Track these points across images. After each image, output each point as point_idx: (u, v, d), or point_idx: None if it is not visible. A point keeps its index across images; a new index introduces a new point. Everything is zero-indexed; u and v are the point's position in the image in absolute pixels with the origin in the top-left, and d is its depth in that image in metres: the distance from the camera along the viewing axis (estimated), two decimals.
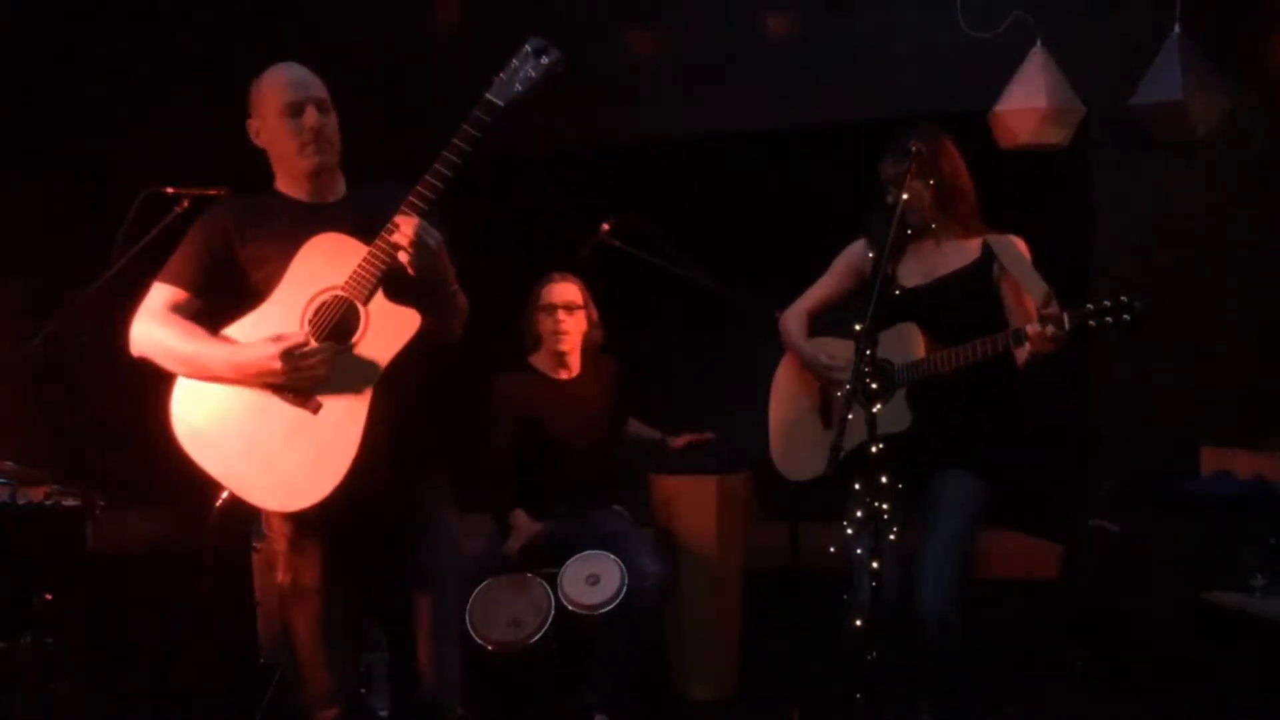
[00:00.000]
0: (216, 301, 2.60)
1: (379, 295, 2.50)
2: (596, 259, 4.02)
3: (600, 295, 4.17)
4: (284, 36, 5.04)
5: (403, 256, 2.46)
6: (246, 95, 2.67)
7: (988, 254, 3.11)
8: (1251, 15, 4.09)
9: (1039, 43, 4.14)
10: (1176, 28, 3.92)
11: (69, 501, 3.60)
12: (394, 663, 2.76)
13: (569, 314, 4.04)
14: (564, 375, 4.13)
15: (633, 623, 3.80)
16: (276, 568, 2.63)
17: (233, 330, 2.56)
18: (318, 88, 2.64)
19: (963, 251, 3.15)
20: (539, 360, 4.14)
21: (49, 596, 3.49)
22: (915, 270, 3.18)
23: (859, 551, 3.01)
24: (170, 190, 3.62)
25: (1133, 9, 4.20)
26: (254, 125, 2.66)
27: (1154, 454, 4.15)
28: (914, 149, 2.95)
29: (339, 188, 2.70)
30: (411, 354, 2.51)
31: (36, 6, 4.93)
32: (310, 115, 2.59)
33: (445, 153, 2.53)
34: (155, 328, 2.55)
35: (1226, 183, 4.19)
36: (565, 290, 4.06)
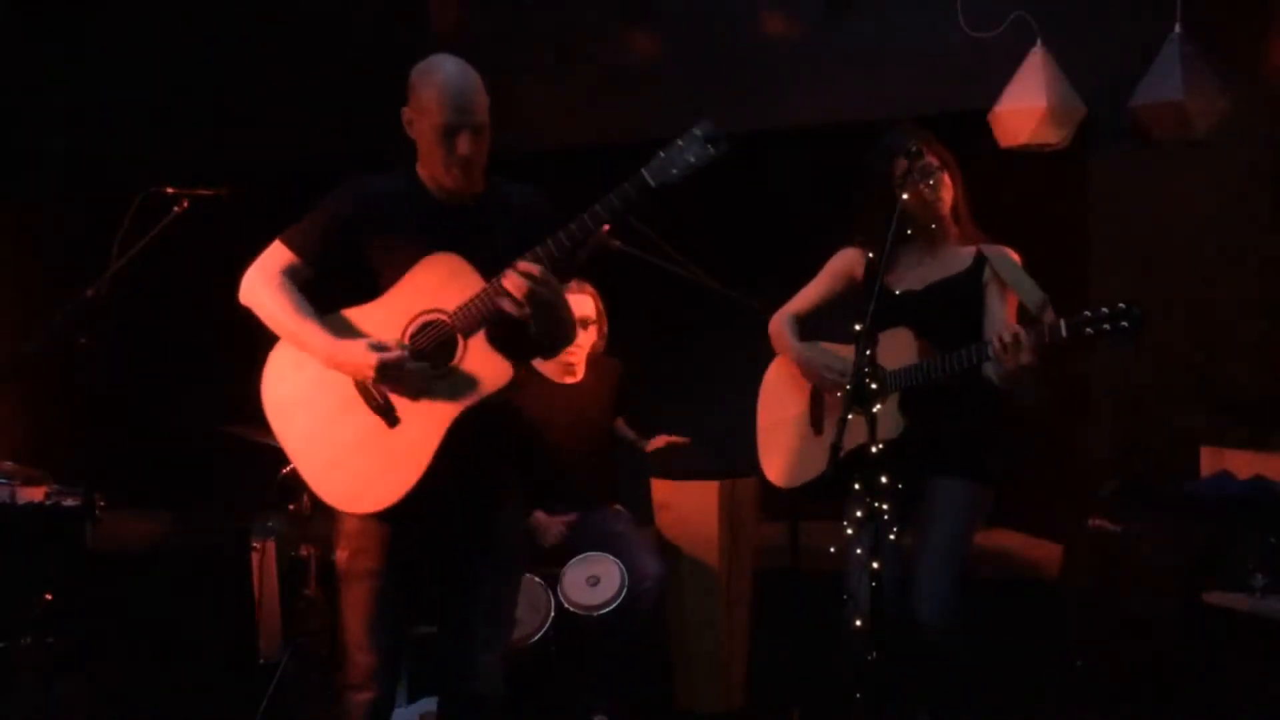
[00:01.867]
0: (329, 274, 2.64)
1: (481, 334, 2.53)
2: (596, 259, 4.02)
3: (599, 295, 4.18)
4: (284, 36, 5.04)
5: (507, 305, 2.47)
6: (406, 80, 2.59)
7: (980, 262, 3.10)
8: (1251, 15, 4.08)
9: (1039, 43, 4.14)
10: (1176, 28, 3.92)
11: (69, 501, 3.61)
12: (441, 658, 2.77)
13: (582, 329, 4.03)
14: (568, 380, 4.13)
15: (632, 624, 3.80)
16: (337, 544, 2.66)
17: (339, 316, 2.60)
18: (478, 108, 2.55)
19: (958, 258, 3.14)
20: (544, 364, 4.14)
21: (49, 596, 3.49)
22: (909, 275, 3.17)
23: (859, 551, 3.01)
24: (170, 190, 3.62)
25: (1133, 9, 4.19)
26: (407, 115, 2.60)
27: (1154, 454, 4.15)
28: (914, 149, 2.95)
29: (478, 185, 2.65)
30: (495, 398, 2.54)
31: (36, 6, 4.93)
32: (464, 143, 2.53)
33: (582, 216, 2.49)
34: (269, 290, 2.59)
35: (1226, 183, 4.19)
36: (580, 303, 4.05)
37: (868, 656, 2.79)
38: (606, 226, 3.93)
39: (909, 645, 2.97)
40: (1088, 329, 2.72)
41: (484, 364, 2.53)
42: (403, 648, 2.83)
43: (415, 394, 2.53)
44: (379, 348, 2.50)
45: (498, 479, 2.72)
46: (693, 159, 2.47)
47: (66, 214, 4.80)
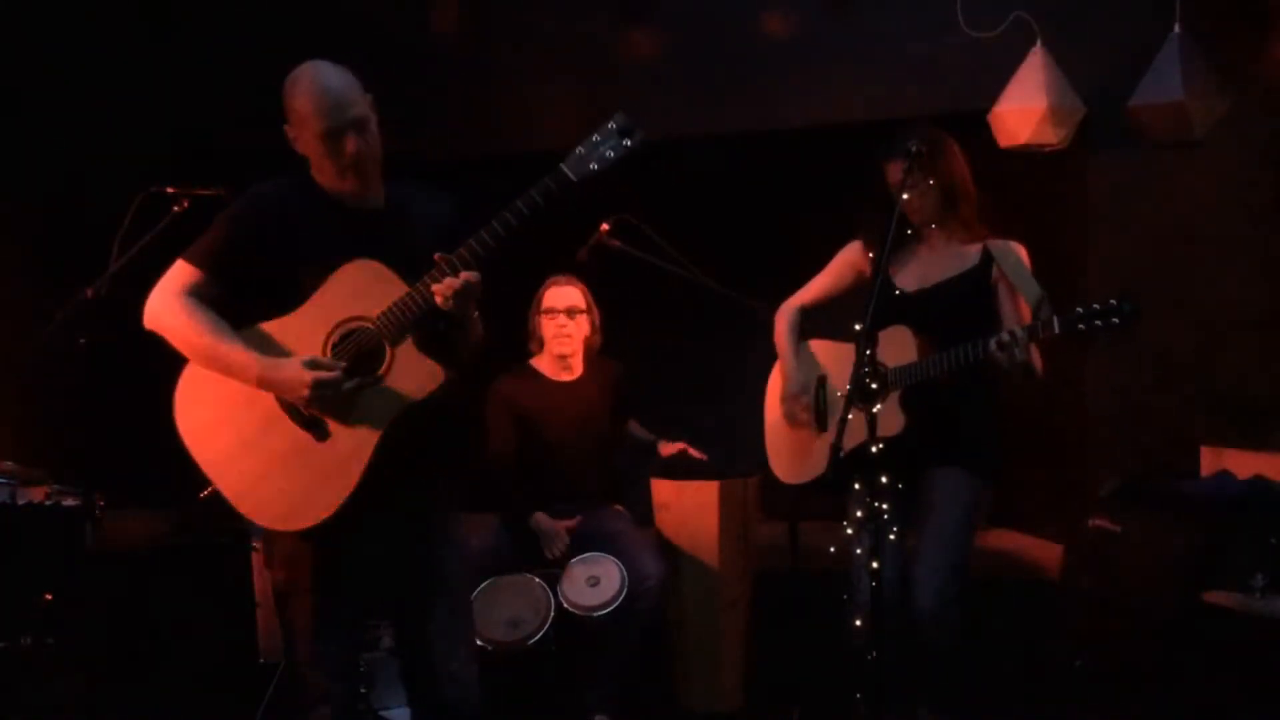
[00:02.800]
0: (235, 288, 2.55)
1: (408, 340, 2.47)
2: (596, 259, 4.02)
3: (599, 295, 4.17)
4: (283, 36, 5.04)
5: (437, 298, 2.42)
6: (281, 96, 2.54)
7: (987, 259, 3.11)
8: (1251, 15, 4.08)
9: (1039, 43, 4.14)
10: (1176, 28, 3.92)
11: (69, 501, 3.60)
12: (405, 665, 2.73)
13: (570, 318, 4.05)
14: (566, 377, 4.14)
15: (632, 624, 3.80)
16: (272, 564, 2.61)
17: (257, 330, 2.51)
18: (355, 104, 2.49)
19: (963, 256, 3.15)
20: (541, 362, 4.15)
21: (49, 596, 3.49)
22: (913, 273, 3.18)
23: (859, 551, 3.01)
24: (170, 190, 3.62)
25: (1133, 9, 4.20)
26: (290, 132, 2.55)
27: (1154, 454, 4.15)
28: (914, 149, 2.95)
29: (379, 188, 2.60)
30: (425, 403, 2.48)
31: (35, 4, 4.93)
32: (350, 143, 2.48)
33: (504, 213, 2.46)
34: (178, 311, 2.49)
35: (1226, 183, 4.19)
36: (568, 294, 4.07)
37: (868, 656, 2.80)
38: (606, 226, 3.98)
39: (909, 645, 2.97)
40: (1080, 325, 2.75)
41: (414, 369, 2.47)
42: (358, 654, 2.75)
43: (344, 405, 2.46)
44: (314, 365, 2.42)
45: (434, 485, 2.65)
46: (610, 153, 2.47)
47: (66, 214, 4.80)
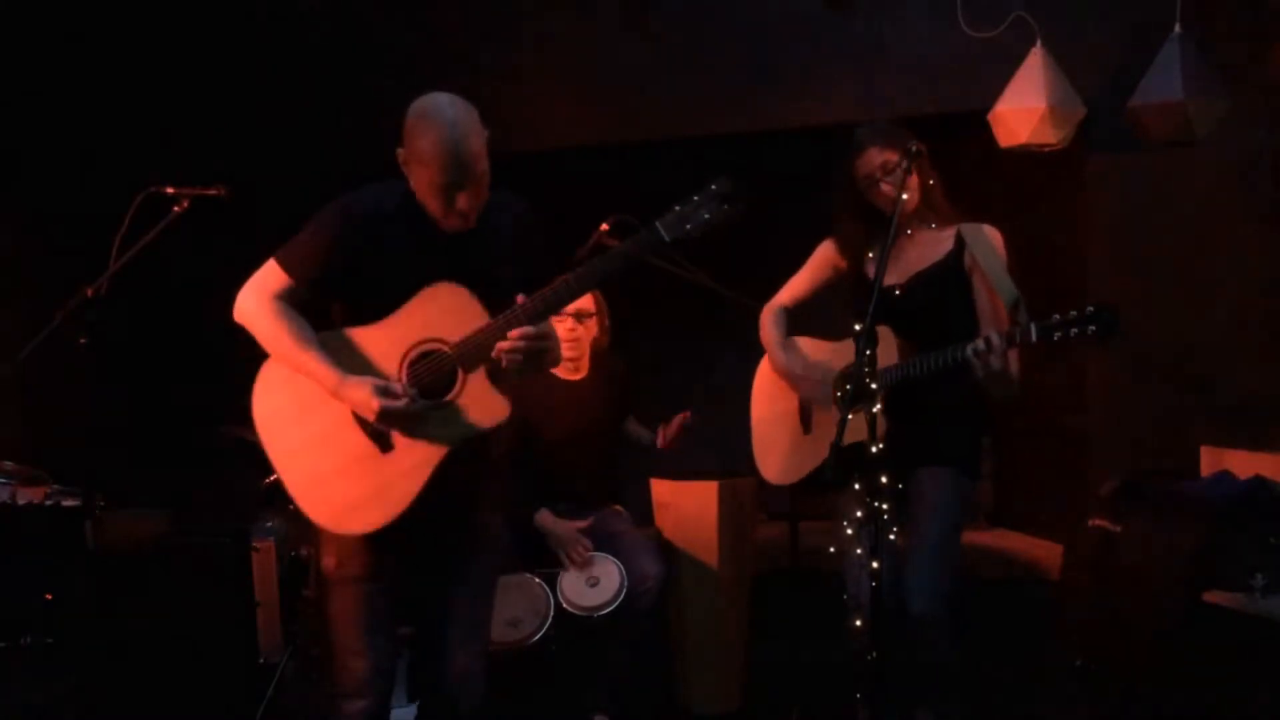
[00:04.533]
0: (323, 295, 2.63)
1: (481, 369, 2.53)
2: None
3: (598, 295, 4.17)
4: (284, 36, 5.04)
5: (502, 362, 2.48)
6: (402, 120, 2.51)
7: (959, 244, 3.10)
8: (1251, 15, 4.08)
9: (1039, 43, 4.14)
10: (1177, 28, 3.92)
11: (69, 501, 3.60)
12: (414, 660, 2.76)
13: (579, 322, 4.03)
14: (572, 376, 4.13)
15: (632, 624, 3.80)
16: (324, 552, 2.65)
17: (340, 336, 2.58)
18: (477, 160, 2.47)
19: (937, 241, 3.14)
20: None
21: (49, 596, 3.49)
22: (891, 266, 3.16)
23: (859, 551, 3.01)
24: (170, 190, 3.61)
25: (1133, 9, 4.20)
26: (403, 156, 2.53)
27: (1154, 454, 4.15)
28: (914, 149, 2.95)
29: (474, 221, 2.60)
30: (489, 433, 2.56)
31: (36, 6, 4.93)
32: (463, 200, 2.49)
33: (597, 263, 2.50)
34: (267, 316, 2.56)
35: (1226, 183, 4.19)
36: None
37: (868, 656, 2.80)
38: (606, 226, 3.98)
39: (904, 640, 2.97)
40: (1057, 333, 2.71)
41: (482, 400, 2.54)
42: (396, 651, 2.80)
43: (412, 423, 2.53)
44: (384, 392, 2.48)
45: (483, 490, 2.73)
46: (708, 215, 2.49)
47: (66, 214, 4.80)
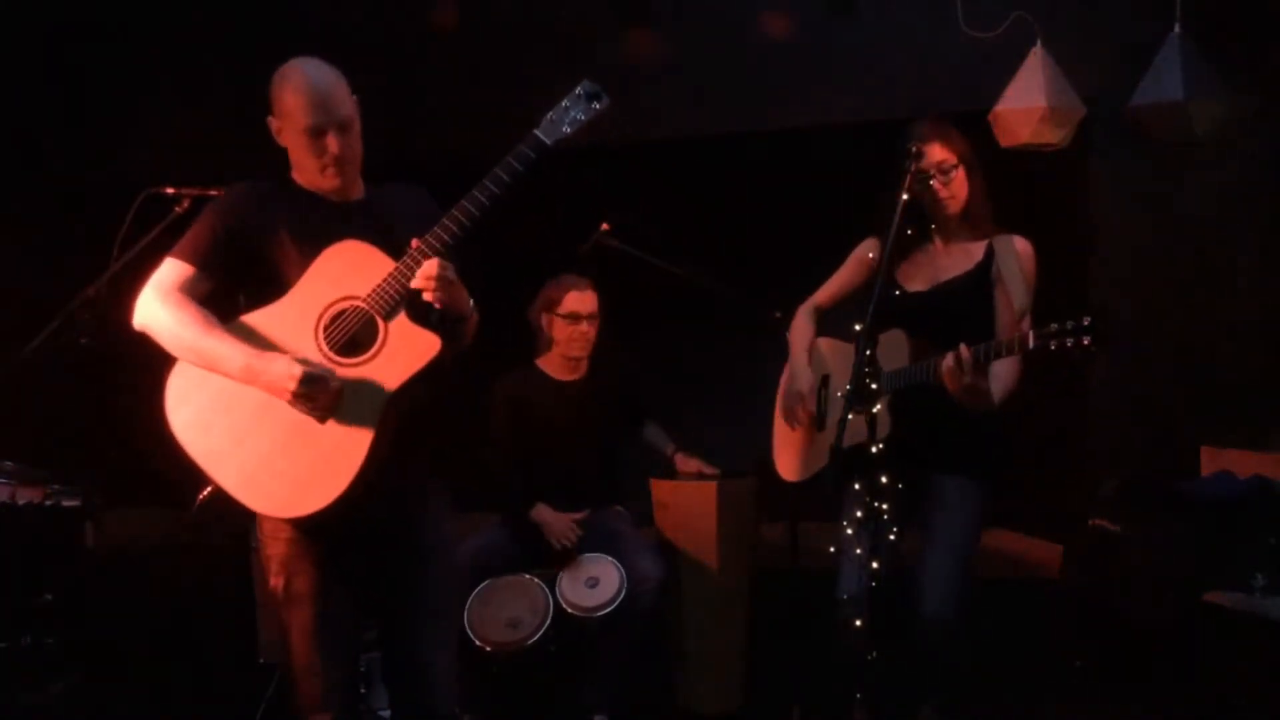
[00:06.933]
0: (226, 282, 2.55)
1: (401, 314, 2.47)
2: (596, 259, 4.02)
3: (599, 295, 4.17)
4: (284, 36, 5.04)
5: (422, 290, 2.44)
6: (268, 86, 2.56)
7: (989, 255, 3.09)
8: (1251, 15, 4.08)
9: (1039, 43, 4.14)
10: (1177, 28, 3.91)
11: (69, 501, 3.60)
12: (388, 665, 2.73)
13: (591, 324, 4.04)
14: (572, 376, 4.13)
15: (632, 625, 3.80)
16: (269, 571, 2.58)
17: (245, 321, 2.49)
18: (341, 104, 2.53)
19: (969, 252, 3.13)
20: (547, 362, 4.13)
21: (49, 596, 3.49)
22: (920, 273, 3.15)
23: (858, 551, 3.00)
24: (170, 190, 3.61)
25: (1133, 9, 4.20)
26: (274, 124, 2.58)
27: (1154, 454, 4.15)
28: (914, 149, 2.94)
29: (359, 187, 2.65)
30: (424, 373, 2.48)
31: (35, 5, 4.93)
32: (333, 142, 2.51)
33: (485, 183, 2.50)
34: (167, 308, 2.47)
35: (1226, 183, 4.19)
36: (590, 300, 4.05)
37: (868, 656, 2.80)
38: (606, 226, 3.99)
39: (909, 642, 2.97)
40: (1051, 342, 2.70)
41: (410, 340, 2.46)
42: (357, 662, 2.73)
43: (341, 387, 2.43)
44: (303, 363, 2.39)
45: (425, 481, 2.66)
46: (580, 116, 2.61)
47: (66, 214, 4.80)
